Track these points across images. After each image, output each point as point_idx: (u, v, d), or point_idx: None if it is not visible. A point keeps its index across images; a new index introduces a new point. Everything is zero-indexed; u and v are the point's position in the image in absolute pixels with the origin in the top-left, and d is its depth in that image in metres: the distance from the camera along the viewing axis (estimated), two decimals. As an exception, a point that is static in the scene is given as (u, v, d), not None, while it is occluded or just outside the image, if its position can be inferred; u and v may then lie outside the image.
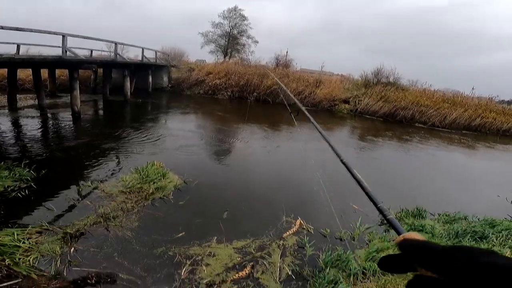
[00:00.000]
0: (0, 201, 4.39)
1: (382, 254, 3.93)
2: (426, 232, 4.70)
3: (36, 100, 11.48)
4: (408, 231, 0.50)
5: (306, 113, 1.80)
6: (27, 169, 5.40)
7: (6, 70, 11.69)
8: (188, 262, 3.47)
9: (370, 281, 3.37)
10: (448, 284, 0.35)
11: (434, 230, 4.75)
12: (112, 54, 15.49)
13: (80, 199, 4.73)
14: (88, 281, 2.97)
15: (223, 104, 18.32)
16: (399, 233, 0.57)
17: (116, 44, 14.60)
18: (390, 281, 3.29)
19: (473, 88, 20.96)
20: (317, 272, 3.50)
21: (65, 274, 3.09)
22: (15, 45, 12.36)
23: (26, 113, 10.86)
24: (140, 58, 18.56)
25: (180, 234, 4.01)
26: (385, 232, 4.76)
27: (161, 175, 5.71)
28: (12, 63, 9.98)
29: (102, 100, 15.65)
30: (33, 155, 6.55)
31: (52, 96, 15.13)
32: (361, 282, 3.40)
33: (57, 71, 16.23)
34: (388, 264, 0.44)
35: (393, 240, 3.23)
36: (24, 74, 16.20)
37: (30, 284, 2.78)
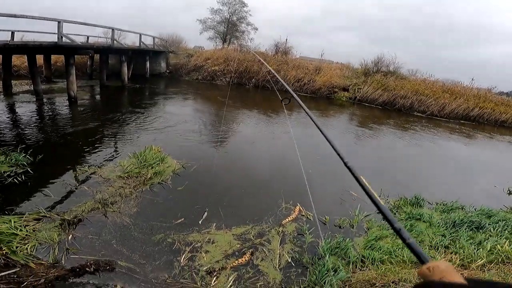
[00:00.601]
0: (-4, 187, 4.33)
1: (381, 243, 3.95)
2: (424, 221, 4.73)
3: (32, 85, 11.27)
4: (431, 258, 0.46)
5: (300, 102, 1.66)
6: (24, 154, 5.32)
7: (0, 56, 11.43)
8: (188, 249, 3.46)
9: (369, 269, 3.38)
10: None
11: (432, 219, 4.77)
12: (109, 40, 15.18)
13: (77, 184, 4.68)
14: (87, 269, 2.94)
15: (221, 89, 18.11)
16: (422, 261, 0.52)
17: (113, 30, 14.28)
18: (390, 269, 3.30)
19: (472, 79, 20.88)
20: (317, 260, 3.51)
21: (63, 262, 3.06)
22: (10, 32, 12.21)
23: (22, 98, 10.69)
24: (137, 44, 18.27)
25: (179, 220, 3.99)
26: (384, 220, 4.79)
27: (159, 160, 5.67)
28: (7, 49, 9.78)
29: (99, 85, 15.41)
30: (29, 140, 6.45)
31: (48, 81, 14.92)
32: (360, 270, 3.41)
33: (53, 57, 16.00)
34: None
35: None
36: (19, 60, 15.97)
37: (28, 273, 2.75)
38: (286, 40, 24.47)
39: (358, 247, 3.93)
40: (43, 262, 3.01)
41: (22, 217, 3.54)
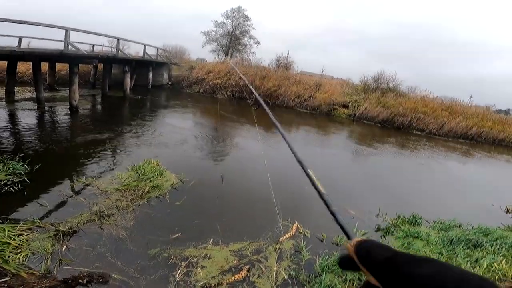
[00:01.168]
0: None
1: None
2: (422, 239, 4.69)
3: (34, 93, 11.34)
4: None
5: (265, 107, 1.65)
6: (21, 163, 5.29)
7: (6, 62, 11.57)
8: (183, 264, 3.40)
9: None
10: None
11: (429, 237, 4.74)
12: (114, 49, 15.40)
13: (74, 195, 4.64)
14: (80, 280, 2.88)
15: (222, 103, 18.25)
16: (349, 238, 0.57)
17: (118, 40, 14.52)
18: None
19: (471, 97, 21.16)
20: (314, 277, 3.46)
21: (55, 272, 3.01)
22: (17, 38, 12.40)
23: (23, 106, 10.72)
24: (141, 54, 18.50)
25: (176, 235, 3.95)
26: (381, 238, 4.76)
27: (157, 174, 5.64)
28: (13, 56, 9.89)
29: (101, 95, 15.52)
30: (28, 148, 6.44)
31: (51, 89, 15.00)
32: (358, 289, 3.36)
33: (58, 66, 16.08)
34: (345, 264, 0.48)
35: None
36: (24, 67, 16.04)
37: (19, 282, 2.70)
38: (288, 54, 24.90)
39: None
40: (34, 272, 2.95)
41: (16, 226, 3.50)
